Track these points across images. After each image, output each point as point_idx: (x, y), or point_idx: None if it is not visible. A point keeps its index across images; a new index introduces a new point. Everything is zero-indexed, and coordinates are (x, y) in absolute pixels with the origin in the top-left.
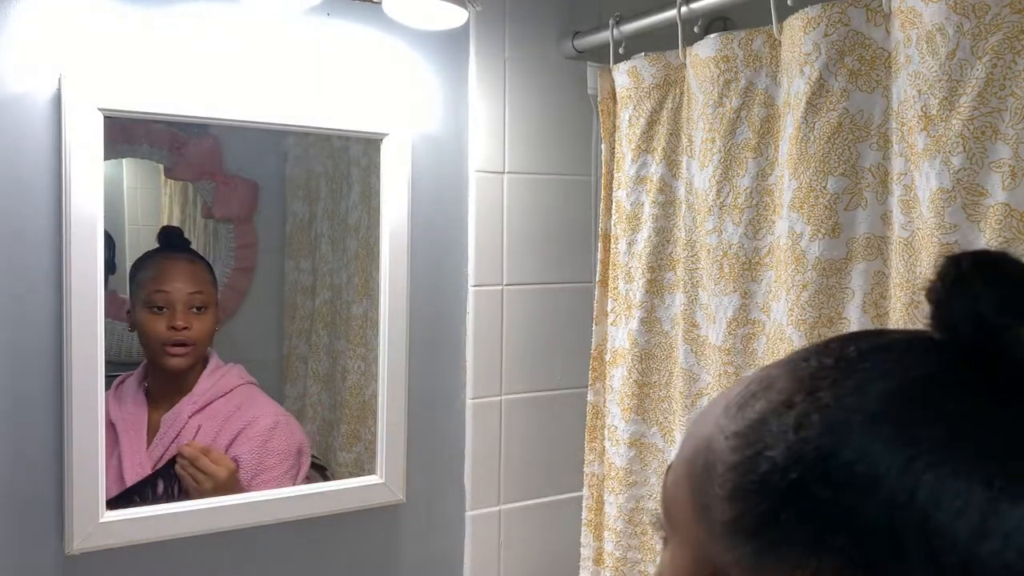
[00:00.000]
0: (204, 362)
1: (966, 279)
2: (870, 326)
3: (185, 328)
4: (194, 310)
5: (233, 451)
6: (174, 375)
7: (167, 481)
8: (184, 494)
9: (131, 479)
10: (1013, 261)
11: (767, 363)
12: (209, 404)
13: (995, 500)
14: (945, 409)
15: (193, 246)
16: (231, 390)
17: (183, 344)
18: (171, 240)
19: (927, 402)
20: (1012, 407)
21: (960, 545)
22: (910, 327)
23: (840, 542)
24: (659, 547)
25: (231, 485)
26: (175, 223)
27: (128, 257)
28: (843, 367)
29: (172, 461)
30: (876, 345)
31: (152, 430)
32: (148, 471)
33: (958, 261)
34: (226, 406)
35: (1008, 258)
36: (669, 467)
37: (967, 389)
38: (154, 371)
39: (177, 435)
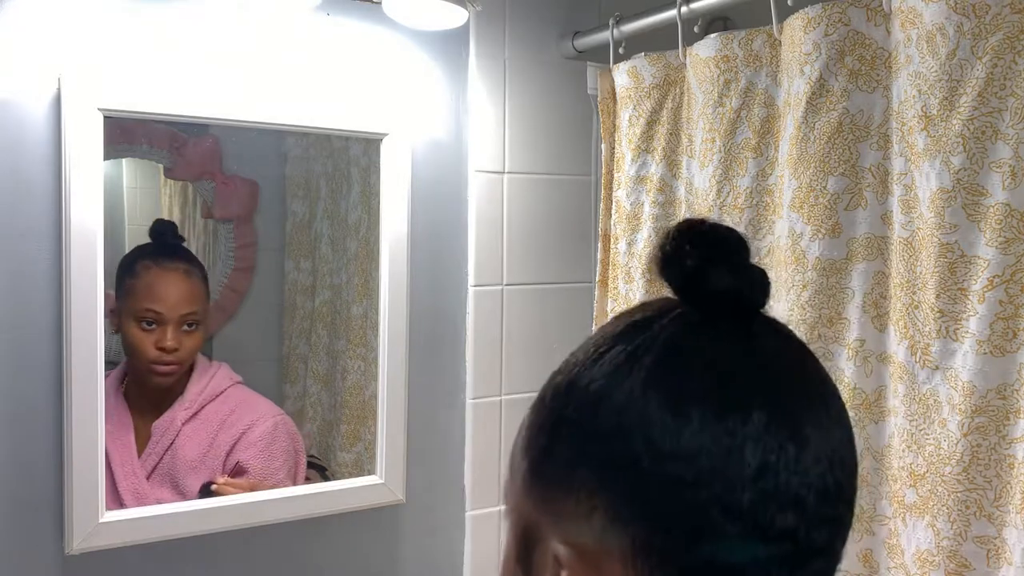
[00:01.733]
0: (191, 365)
1: (674, 239)
2: (870, 326)
3: (175, 349)
4: (186, 327)
5: (237, 456)
6: (150, 384)
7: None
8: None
9: (124, 488)
10: (710, 223)
11: None
12: (202, 409)
13: (692, 400)
14: (656, 337)
15: (191, 246)
16: (222, 392)
17: (170, 363)
18: (164, 236)
19: (642, 332)
20: (705, 332)
21: (668, 432)
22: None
23: (591, 449)
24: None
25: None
26: (174, 223)
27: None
28: (601, 328)
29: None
30: (630, 307)
31: (141, 437)
32: (143, 479)
33: (668, 230)
34: (220, 410)
35: (707, 221)
36: None
37: (676, 322)
38: (136, 378)
39: (171, 443)
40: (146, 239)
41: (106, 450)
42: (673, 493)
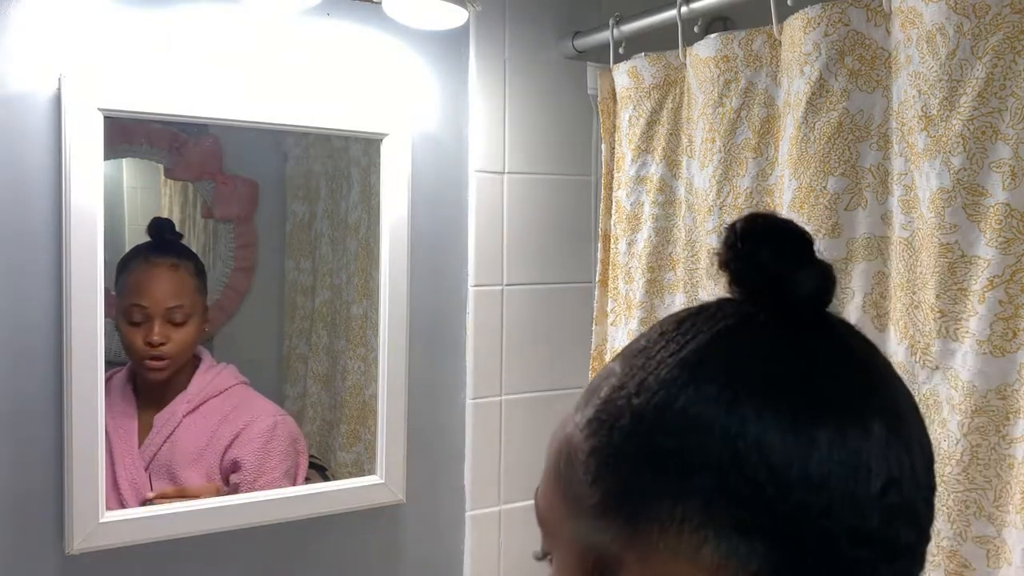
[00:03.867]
0: (196, 361)
1: (745, 239)
2: (870, 326)
3: (161, 343)
4: (173, 321)
5: (232, 453)
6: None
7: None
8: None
9: (124, 479)
10: (779, 218)
11: None
12: (204, 403)
13: (809, 419)
14: (752, 349)
15: (192, 246)
16: (226, 390)
17: (159, 358)
18: (161, 233)
19: (737, 346)
20: (801, 339)
21: (793, 457)
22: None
23: (697, 482)
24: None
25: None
26: (174, 223)
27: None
28: (664, 337)
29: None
30: (688, 313)
31: (143, 429)
32: (142, 471)
33: (734, 226)
34: (221, 406)
35: (769, 216)
36: (537, 488)
37: (766, 330)
38: (139, 374)
39: (171, 434)
40: (146, 238)
41: (110, 443)
42: (801, 524)
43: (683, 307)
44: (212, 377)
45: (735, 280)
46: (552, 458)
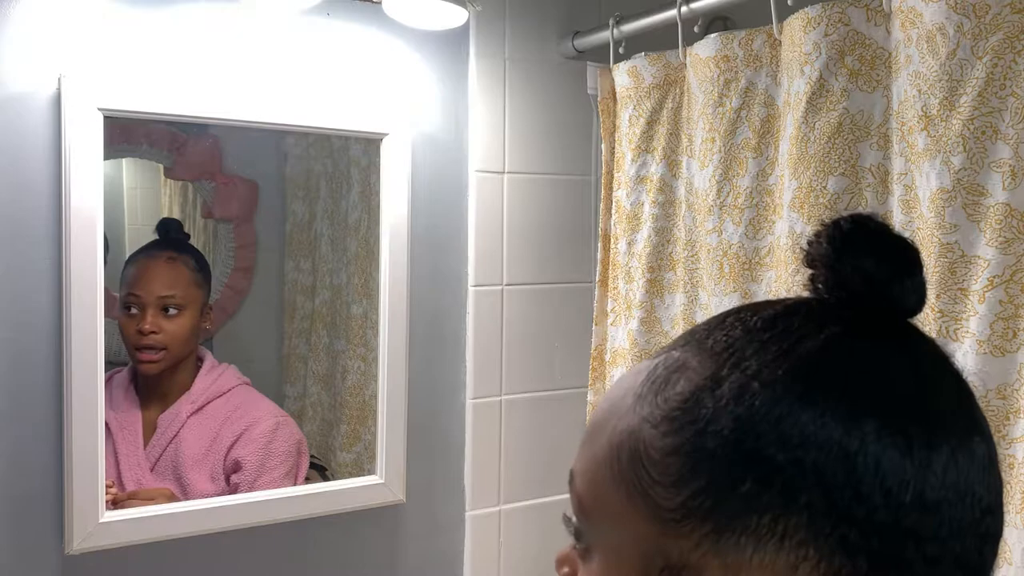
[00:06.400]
0: (198, 362)
1: (850, 241)
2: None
3: (153, 332)
4: (166, 312)
5: (235, 453)
6: (155, 378)
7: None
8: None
9: (128, 479)
10: (880, 222)
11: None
12: (207, 404)
13: (925, 438)
14: (862, 363)
15: (192, 240)
16: (228, 390)
17: (151, 348)
18: (167, 232)
19: (850, 358)
20: (910, 354)
21: (908, 479)
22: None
23: (806, 498)
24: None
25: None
26: (182, 223)
27: (127, 257)
28: (756, 336)
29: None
30: (777, 312)
31: (148, 429)
32: (147, 472)
33: (839, 224)
34: (224, 406)
35: (876, 219)
36: (572, 476)
37: (875, 344)
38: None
39: (175, 435)
40: (147, 239)
41: (114, 443)
42: (908, 547)
43: (682, 307)
44: (215, 378)
45: (836, 282)
46: (605, 448)
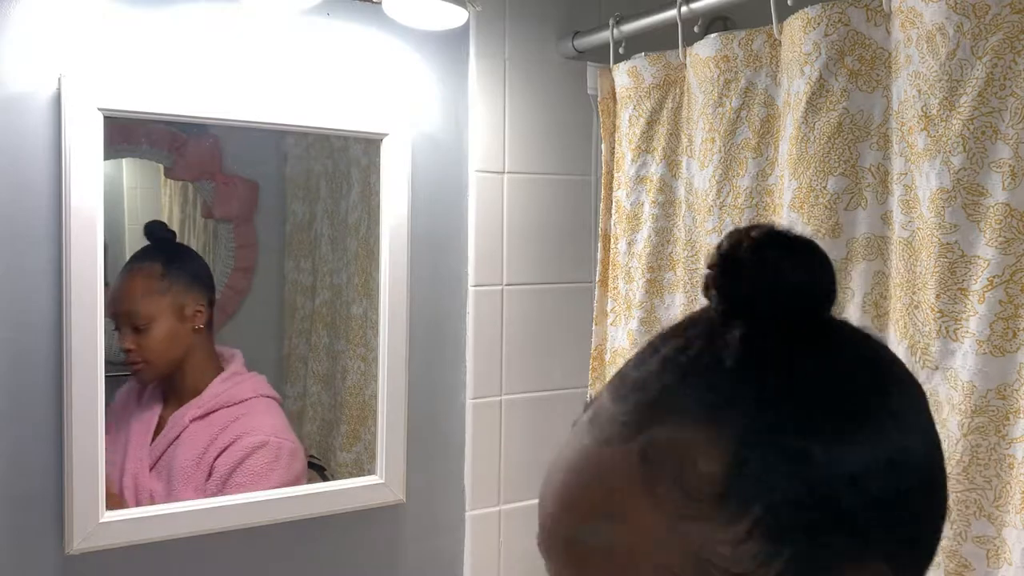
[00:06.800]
0: (219, 367)
1: (729, 255)
2: (870, 326)
3: (129, 348)
4: (136, 329)
5: (216, 462)
6: (168, 378)
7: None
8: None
9: (128, 474)
10: (762, 227)
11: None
12: (214, 411)
13: (847, 441)
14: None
15: (190, 244)
16: (243, 401)
17: (135, 362)
18: (152, 235)
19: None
20: (828, 359)
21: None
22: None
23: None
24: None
25: None
26: (175, 223)
27: (127, 256)
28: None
29: None
30: (671, 333)
31: (159, 427)
32: (145, 469)
33: (719, 246)
34: (229, 416)
35: (777, 231)
36: (552, 479)
37: (796, 352)
38: None
39: (176, 438)
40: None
41: (128, 435)
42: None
43: (682, 307)
44: (230, 386)
45: (737, 297)
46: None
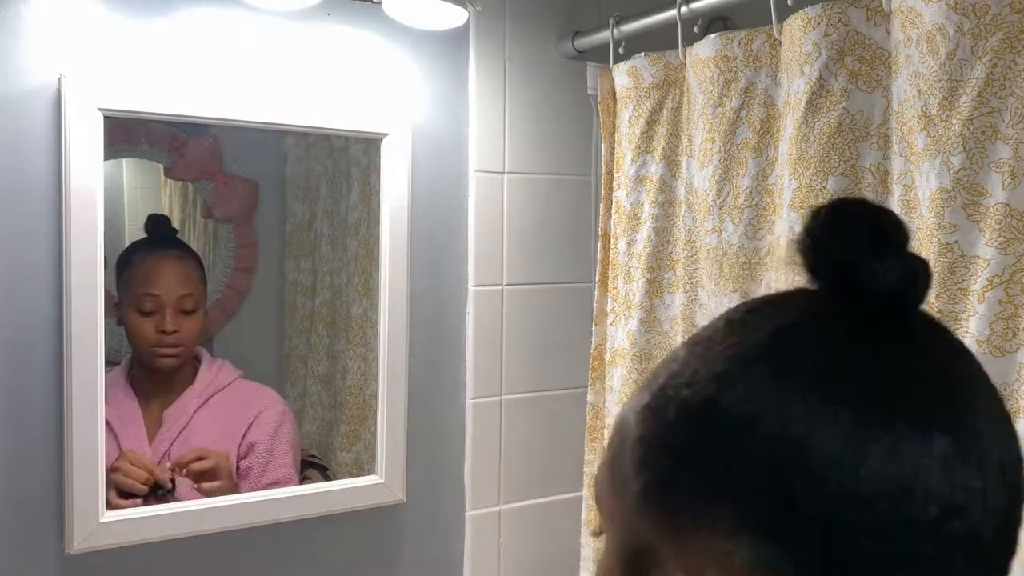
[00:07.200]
0: (196, 358)
1: (820, 227)
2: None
3: (175, 331)
4: (184, 310)
5: (250, 437)
6: (157, 374)
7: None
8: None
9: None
10: (860, 203)
11: None
12: (212, 397)
13: (863, 426)
14: (812, 347)
15: (190, 244)
16: (228, 384)
17: (174, 346)
18: (158, 229)
19: (796, 342)
20: (869, 338)
21: (837, 468)
22: None
23: (734, 483)
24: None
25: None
26: (175, 223)
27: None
28: (731, 327)
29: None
30: (760, 302)
31: (152, 425)
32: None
33: (818, 211)
34: (229, 398)
35: (855, 201)
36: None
37: (831, 326)
38: (143, 367)
39: (184, 427)
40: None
41: (117, 440)
42: (843, 541)
43: (682, 307)
44: (215, 373)
45: (808, 271)
46: (610, 439)
